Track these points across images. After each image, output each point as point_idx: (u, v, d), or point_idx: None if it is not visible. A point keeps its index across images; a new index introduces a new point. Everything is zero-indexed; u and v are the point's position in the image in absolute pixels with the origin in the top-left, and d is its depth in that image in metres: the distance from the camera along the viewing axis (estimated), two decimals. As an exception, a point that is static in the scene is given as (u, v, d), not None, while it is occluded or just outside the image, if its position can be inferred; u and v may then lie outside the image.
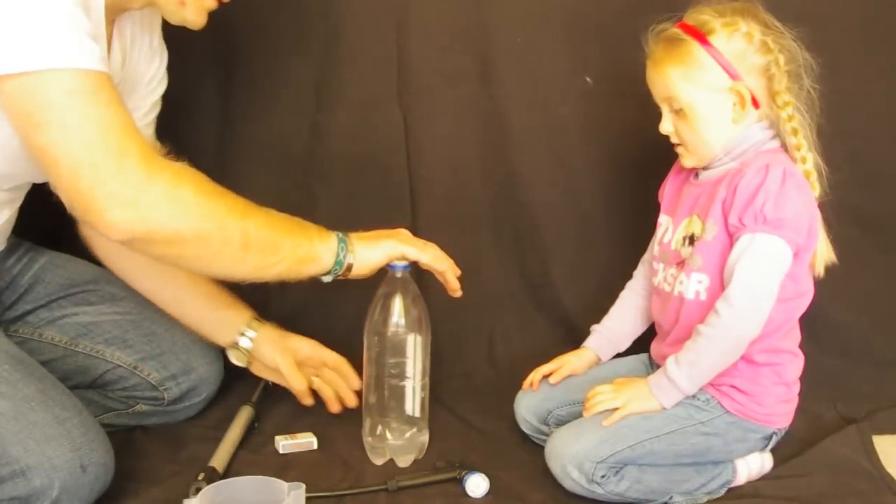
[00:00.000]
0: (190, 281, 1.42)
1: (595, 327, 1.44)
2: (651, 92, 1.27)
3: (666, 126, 1.26)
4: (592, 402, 1.26)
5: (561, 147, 1.70)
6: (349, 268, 1.25)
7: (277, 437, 1.40)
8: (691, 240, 1.26)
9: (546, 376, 1.40)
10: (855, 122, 1.62)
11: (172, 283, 1.42)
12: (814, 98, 1.24)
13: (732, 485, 1.28)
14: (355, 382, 1.44)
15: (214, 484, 1.14)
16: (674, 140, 1.27)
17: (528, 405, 1.40)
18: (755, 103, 1.22)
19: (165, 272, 1.41)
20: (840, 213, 1.64)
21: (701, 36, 1.20)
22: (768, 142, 1.25)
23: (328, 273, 1.25)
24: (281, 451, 1.38)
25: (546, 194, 1.70)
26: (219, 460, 1.30)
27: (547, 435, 1.32)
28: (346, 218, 1.70)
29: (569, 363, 1.40)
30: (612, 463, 1.21)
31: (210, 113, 1.72)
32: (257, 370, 1.48)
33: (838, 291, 1.63)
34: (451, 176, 1.71)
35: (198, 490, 1.17)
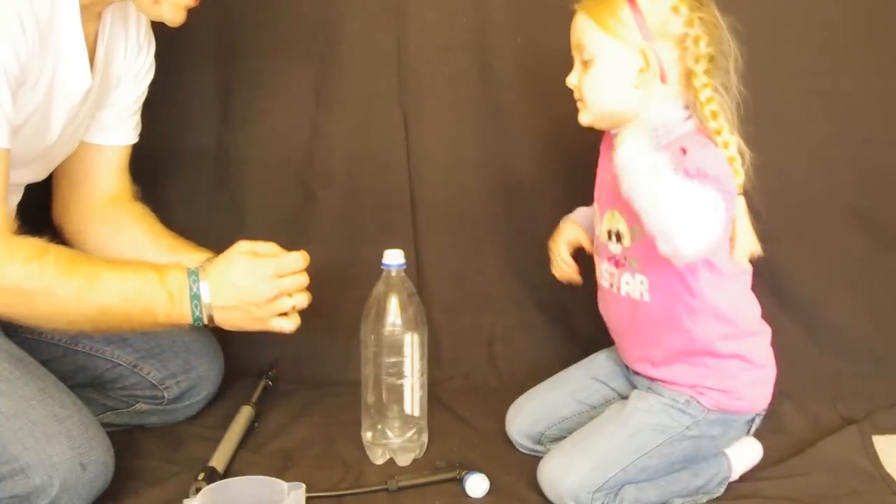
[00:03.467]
0: (152, 242, 1.43)
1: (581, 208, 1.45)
2: (570, 43, 1.26)
3: (572, 79, 1.26)
4: None
5: (560, 147, 1.70)
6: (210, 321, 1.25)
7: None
8: (618, 236, 1.25)
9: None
10: (855, 122, 1.62)
11: (132, 246, 1.41)
12: (738, 96, 1.19)
13: (731, 479, 1.28)
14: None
15: (214, 484, 1.14)
16: (576, 95, 1.27)
17: (520, 429, 1.39)
18: (662, 76, 1.20)
19: (126, 245, 1.41)
20: (840, 213, 1.65)
21: None
22: (682, 124, 1.21)
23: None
24: None
25: (546, 194, 1.70)
26: (219, 460, 1.30)
27: (545, 452, 1.31)
28: (346, 218, 1.71)
29: (565, 233, 1.41)
30: (608, 488, 1.20)
31: (210, 113, 1.72)
32: None
33: (838, 291, 1.64)
34: (451, 176, 1.71)
35: (198, 490, 1.17)
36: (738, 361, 1.24)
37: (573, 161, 1.70)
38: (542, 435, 1.37)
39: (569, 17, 1.64)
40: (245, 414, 1.44)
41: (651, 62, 1.18)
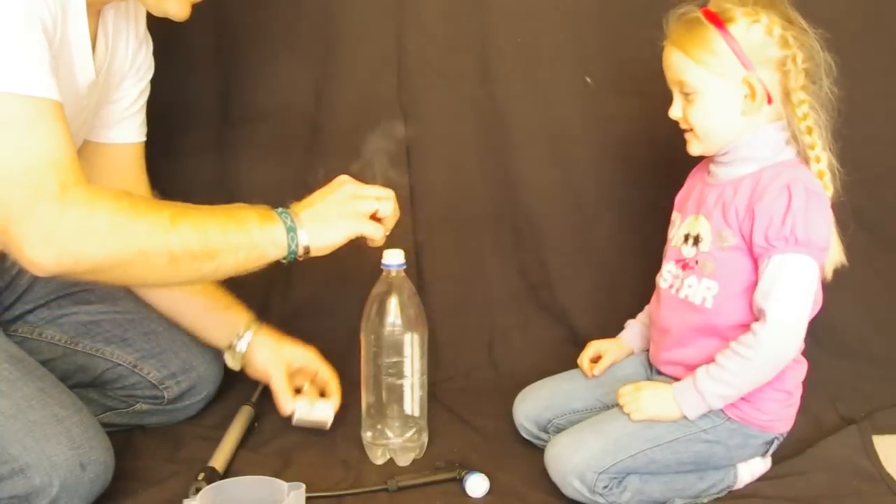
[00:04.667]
0: None
1: (630, 322, 1.43)
2: (665, 75, 1.26)
3: (675, 111, 1.25)
4: (620, 404, 1.25)
5: (561, 147, 1.70)
6: (307, 251, 1.20)
7: (297, 399, 1.39)
8: (696, 240, 1.26)
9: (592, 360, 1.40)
10: (855, 122, 1.60)
11: None
12: (832, 99, 1.22)
13: (734, 488, 1.28)
14: (336, 403, 1.43)
15: (214, 484, 1.14)
16: (682, 126, 1.26)
17: (527, 414, 1.39)
18: (769, 99, 1.21)
19: None
20: (840, 213, 1.65)
21: (720, 22, 1.19)
22: (785, 148, 1.23)
23: (284, 259, 1.20)
24: (294, 423, 1.38)
25: (546, 194, 1.70)
26: (219, 460, 1.30)
27: (546, 442, 1.31)
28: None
29: (609, 352, 1.39)
30: (614, 473, 1.20)
31: (210, 113, 1.72)
32: (252, 374, 1.48)
33: (839, 292, 1.63)
34: (451, 176, 1.71)
35: (198, 490, 1.17)
36: (772, 379, 1.23)
37: (573, 161, 1.71)
38: (549, 423, 1.37)
39: (567, 17, 1.65)
40: (245, 414, 1.44)
41: (756, 90, 1.19)
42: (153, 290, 1.43)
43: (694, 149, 1.27)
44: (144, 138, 1.45)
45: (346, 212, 1.22)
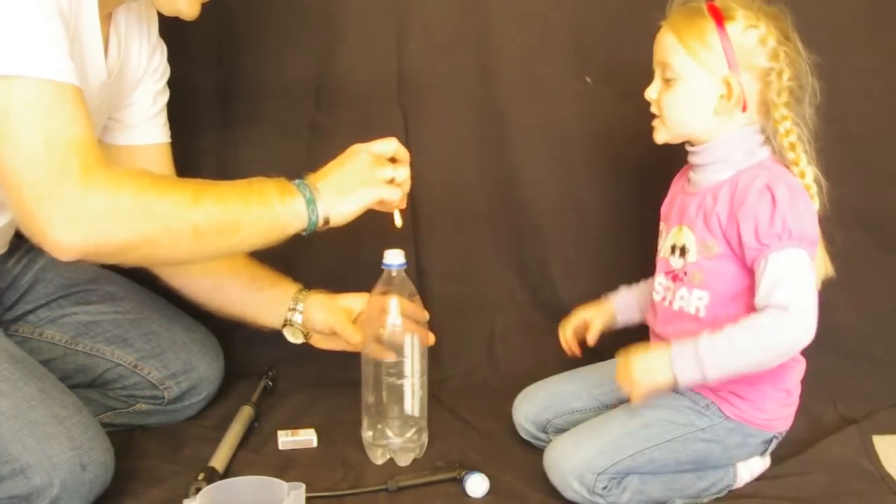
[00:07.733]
0: (230, 267, 1.42)
1: (623, 288, 1.43)
2: (653, 56, 1.26)
3: (651, 92, 1.26)
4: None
5: (561, 147, 1.70)
6: (326, 221, 1.20)
7: (279, 432, 1.41)
8: (682, 251, 1.26)
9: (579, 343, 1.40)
10: (855, 122, 1.62)
11: (212, 272, 1.42)
12: (813, 123, 1.23)
13: (733, 488, 1.28)
14: (431, 337, 1.40)
15: (214, 484, 1.14)
16: (653, 110, 1.27)
17: (527, 414, 1.39)
18: (744, 105, 1.21)
19: (203, 263, 1.40)
20: (840, 213, 1.65)
21: (720, 18, 1.20)
22: (759, 149, 1.23)
23: (304, 231, 1.20)
24: (280, 447, 1.38)
25: (546, 194, 1.70)
26: (219, 460, 1.30)
27: (546, 442, 1.32)
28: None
29: (596, 320, 1.39)
30: (613, 473, 1.20)
31: (210, 113, 1.72)
32: (317, 342, 1.47)
33: (838, 291, 1.63)
34: (451, 176, 1.71)
35: (198, 490, 1.17)
36: (770, 378, 1.23)
37: (572, 160, 1.71)
38: (548, 423, 1.37)
39: (567, 17, 1.65)
40: (245, 414, 1.44)
41: (734, 92, 1.20)
42: (195, 281, 1.43)
43: (659, 136, 1.27)
44: (169, 139, 1.44)
45: (363, 179, 1.22)
